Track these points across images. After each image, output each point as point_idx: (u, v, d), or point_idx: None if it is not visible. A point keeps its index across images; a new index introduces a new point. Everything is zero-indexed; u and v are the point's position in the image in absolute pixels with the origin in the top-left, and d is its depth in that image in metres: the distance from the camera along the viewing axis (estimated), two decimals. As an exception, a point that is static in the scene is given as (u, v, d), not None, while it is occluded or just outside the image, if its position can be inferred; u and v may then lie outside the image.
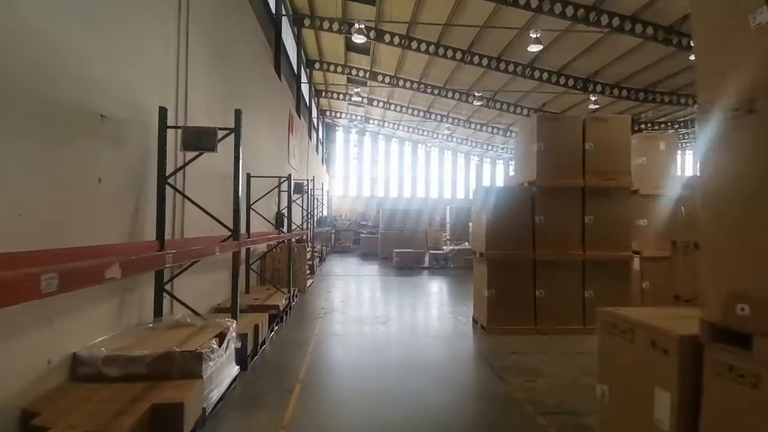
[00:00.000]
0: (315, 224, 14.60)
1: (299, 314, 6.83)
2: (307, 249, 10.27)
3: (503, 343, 5.21)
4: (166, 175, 4.06)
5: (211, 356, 3.19)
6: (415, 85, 19.81)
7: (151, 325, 3.53)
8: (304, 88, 18.33)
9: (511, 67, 16.35)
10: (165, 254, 2.73)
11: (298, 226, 10.11)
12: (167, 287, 3.97)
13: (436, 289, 10.12)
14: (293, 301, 7.35)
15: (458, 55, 15.92)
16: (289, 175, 7.39)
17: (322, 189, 19.42)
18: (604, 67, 15.66)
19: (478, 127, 26.14)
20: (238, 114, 4.05)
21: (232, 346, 3.60)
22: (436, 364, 4.60)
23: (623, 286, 5.78)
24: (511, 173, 33.92)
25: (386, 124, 29.10)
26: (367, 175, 32.87)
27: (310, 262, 10.87)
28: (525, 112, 21.81)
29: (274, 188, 7.56)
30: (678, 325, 1.93)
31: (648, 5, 11.83)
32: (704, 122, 1.75)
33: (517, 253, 5.63)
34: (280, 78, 11.59)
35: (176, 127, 4.06)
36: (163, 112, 3.89)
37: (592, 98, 17.09)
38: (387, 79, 19.63)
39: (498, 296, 5.61)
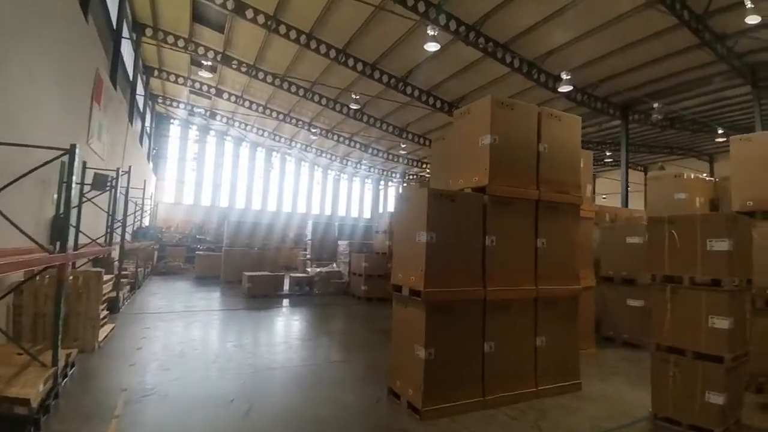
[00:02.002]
0: (128, 237, 10.40)
1: (72, 410, 3.48)
2: (110, 275, 6.57)
3: (456, 440, 3.25)
4: None
5: None
6: (277, 81, 17.15)
7: None
8: (127, 56, 13.67)
9: (385, 78, 15.42)
10: None
11: (94, 241, 6.37)
12: None
13: (308, 330, 7.57)
14: (64, 379, 3.95)
15: (332, 53, 14.18)
16: (72, 147, 4.03)
17: (144, 190, 14.63)
18: (470, 92, 16.02)
19: (341, 139, 24.78)
20: None
21: None
22: None
23: (571, 329, 4.56)
24: (369, 192, 33.77)
25: (237, 123, 25.12)
26: (209, 180, 27.84)
27: (113, 294, 7.11)
28: (390, 129, 21.40)
29: (35, 169, 4.05)
30: None
31: (518, 36, 12.29)
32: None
33: (467, 291, 3.81)
34: (86, 18, 7.67)
35: None
36: None
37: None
38: (243, 68, 16.43)
39: (440, 358, 3.65)
